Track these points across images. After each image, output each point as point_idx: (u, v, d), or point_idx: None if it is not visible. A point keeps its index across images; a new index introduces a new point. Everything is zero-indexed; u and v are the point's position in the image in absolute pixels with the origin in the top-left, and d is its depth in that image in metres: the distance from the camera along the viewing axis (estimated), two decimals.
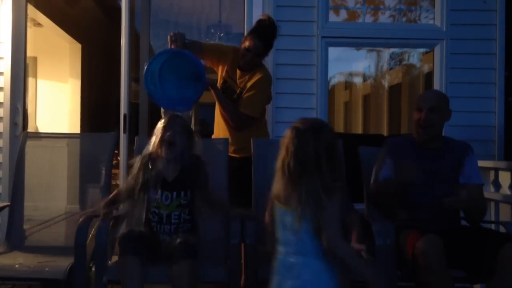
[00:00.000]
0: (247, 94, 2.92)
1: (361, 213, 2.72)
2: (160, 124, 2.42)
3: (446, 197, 2.48)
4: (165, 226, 2.39)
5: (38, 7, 4.88)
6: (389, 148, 2.67)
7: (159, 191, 2.39)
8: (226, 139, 2.94)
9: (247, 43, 2.88)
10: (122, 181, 3.52)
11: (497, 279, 2.21)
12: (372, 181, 2.69)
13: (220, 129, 3.09)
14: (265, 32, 2.88)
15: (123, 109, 3.51)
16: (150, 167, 2.40)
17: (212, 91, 2.91)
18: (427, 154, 2.59)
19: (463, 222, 2.67)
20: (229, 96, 2.97)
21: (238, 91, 2.97)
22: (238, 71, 3.00)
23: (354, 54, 8.90)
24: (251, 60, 2.92)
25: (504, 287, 2.20)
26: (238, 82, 2.99)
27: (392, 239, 2.30)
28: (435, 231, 2.29)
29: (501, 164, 3.25)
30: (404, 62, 8.73)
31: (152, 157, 2.43)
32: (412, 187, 2.53)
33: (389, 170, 2.55)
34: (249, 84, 2.93)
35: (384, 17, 4.67)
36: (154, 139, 2.41)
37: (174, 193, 2.40)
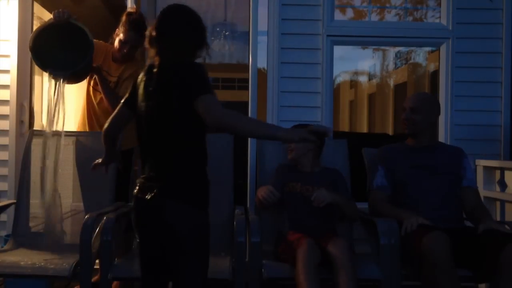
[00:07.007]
0: (126, 83, 2.97)
1: (365, 212, 2.72)
2: None
3: (443, 191, 2.54)
4: None
5: (44, 5, 4.88)
6: (382, 155, 2.77)
7: None
8: (231, 136, 2.95)
9: (122, 36, 2.98)
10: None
11: (502, 279, 2.20)
12: (368, 189, 2.77)
13: (94, 121, 3.17)
14: (137, 24, 2.95)
15: None
16: None
17: (97, 77, 3.00)
18: (421, 153, 2.69)
19: (467, 223, 2.67)
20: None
21: (115, 81, 3.06)
22: (113, 64, 3.10)
23: (359, 53, 8.90)
24: (128, 52, 3.02)
25: (507, 287, 2.19)
26: (113, 74, 3.08)
27: (397, 238, 2.29)
28: (441, 229, 2.28)
29: (507, 163, 3.23)
30: (409, 61, 8.72)
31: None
32: (409, 185, 2.60)
33: (382, 177, 2.69)
34: (126, 74, 3.03)
35: (390, 16, 4.67)
36: None
37: None
